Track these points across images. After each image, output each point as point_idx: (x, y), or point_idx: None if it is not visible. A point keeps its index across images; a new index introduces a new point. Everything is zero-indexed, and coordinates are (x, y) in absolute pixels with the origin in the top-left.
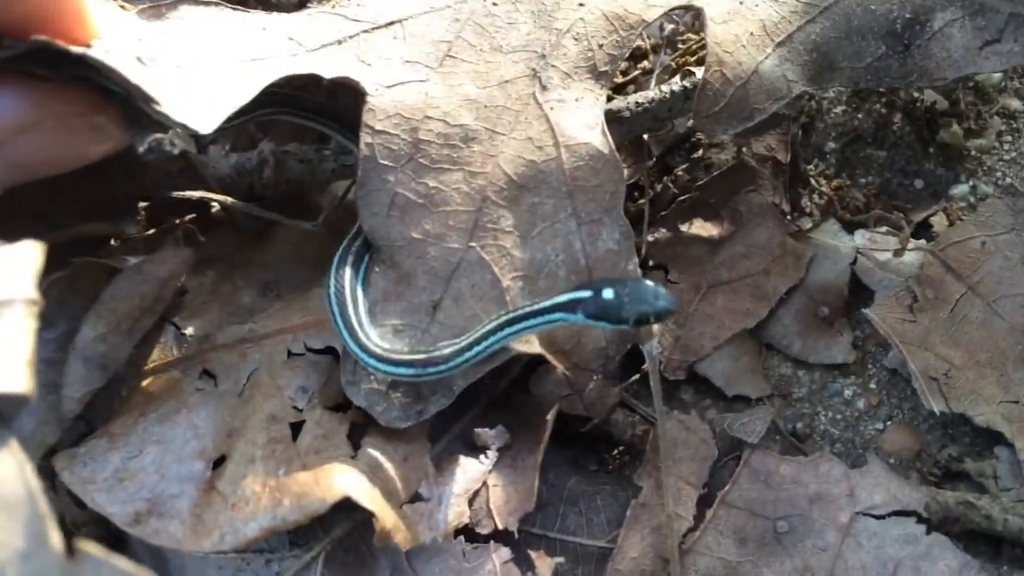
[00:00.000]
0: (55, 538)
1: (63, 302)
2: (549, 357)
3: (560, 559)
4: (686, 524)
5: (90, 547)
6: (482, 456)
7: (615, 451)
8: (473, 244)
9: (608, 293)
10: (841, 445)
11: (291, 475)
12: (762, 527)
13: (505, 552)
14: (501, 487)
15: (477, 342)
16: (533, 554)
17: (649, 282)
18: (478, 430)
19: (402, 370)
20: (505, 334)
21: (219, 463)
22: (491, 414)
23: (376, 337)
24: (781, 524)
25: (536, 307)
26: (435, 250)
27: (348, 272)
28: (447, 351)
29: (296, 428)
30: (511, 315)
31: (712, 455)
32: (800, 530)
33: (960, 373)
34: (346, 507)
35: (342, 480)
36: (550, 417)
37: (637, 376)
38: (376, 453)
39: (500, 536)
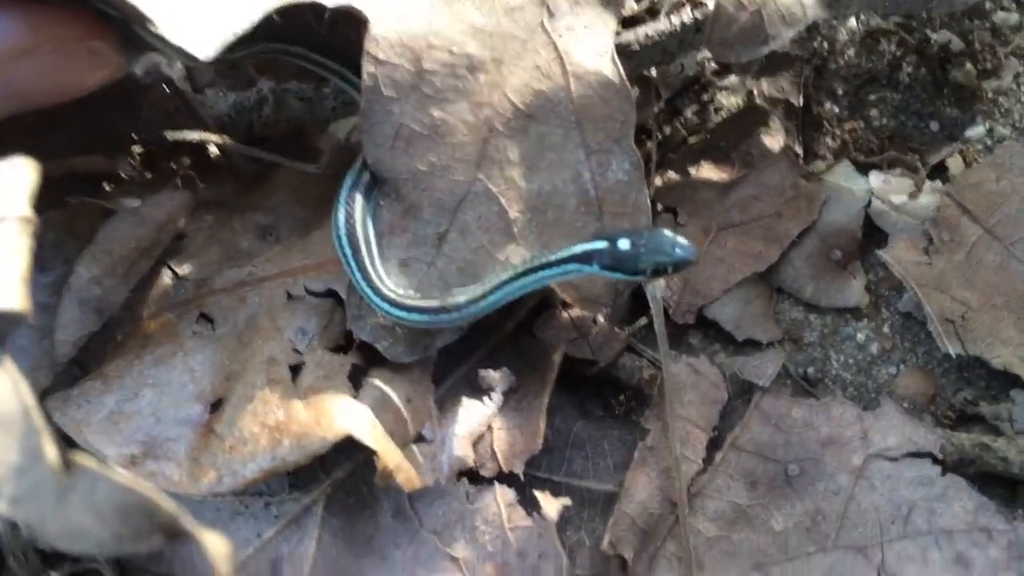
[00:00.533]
0: (51, 453)
1: (59, 245)
2: (557, 290)
3: (566, 502)
4: (695, 467)
5: (85, 460)
6: (487, 398)
7: (622, 396)
8: (479, 176)
9: (624, 243)
10: (854, 389)
11: (291, 415)
12: (773, 470)
13: (510, 494)
14: (506, 430)
15: (491, 291)
16: (539, 495)
17: (667, 231)
18: (483, 372)
19: (414, 316)
20: (519, 285)
21: (217, 406)
22: (496, 356)
23: (389, 280)
24: (792, 467)
25: (550, 258)
26: (441, 182)
27: (357, 208)
28: (460, 299)
29: (296, 370)
30: (525, 267)
31: (722, 398)
32: (811, 473)
33: (976, 316)
34: (347, 448)
35: (344, 418)
36: (556, 359)
37: (645, 320)
38: (378, 393)
39: (505, 479)
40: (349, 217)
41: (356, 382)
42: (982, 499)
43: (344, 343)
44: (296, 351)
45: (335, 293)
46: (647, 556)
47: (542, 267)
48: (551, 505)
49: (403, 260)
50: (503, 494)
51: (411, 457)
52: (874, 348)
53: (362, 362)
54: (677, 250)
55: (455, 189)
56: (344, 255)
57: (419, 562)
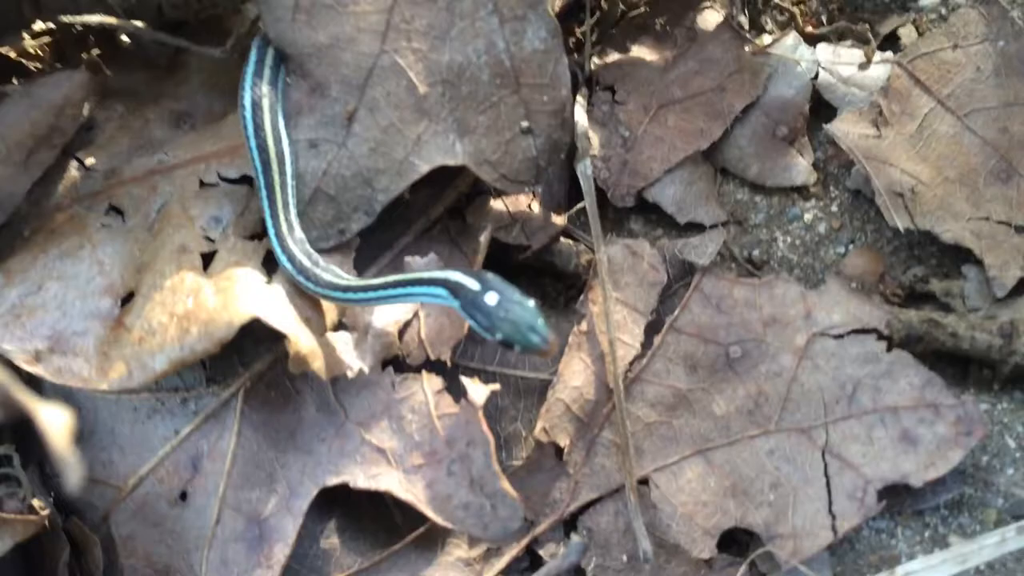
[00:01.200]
0: None
1: None
2: (474, 169)
3: (495, 387)
4: (632, 352)
5: None
6: None
7: (560, 284)
8: (386, 48)
9: (491, 298)
10: (800, 271)
11: (199, 303)
12: (713, 353)
13: (437, 382)
14: (433, 317)
15: (368, 288)
16: (466, 382)
17: (534, 306)
18: (409, 259)
19: (302, 281)
20: (385, 294)
21: (128, 300)
22: (423, 243)
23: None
24: (734, 349)
25: (423, 276)
26: (346, 55)
27: (265, 96)
28: (344, 282)
29: (208, 260)
30: (394, 279)
31: (661, 280)
32: (754, 355)
33: (927, 189)
34: (266, 340)
35: (250, 302)
36: (483, 239)
37: (582, 204)
38: None
39: (432, 366)
40: (256, 110)
41: (271, 269)
42: (930, 375)
43: (259, 230)
44: (208, 239)
45: (249, 179)
46: (584, 444)
47: (411, 283)
48: (479, 391)
49: (312, 141)
50: (430, 382)
51: (332, 346)
52: (822, 228)
53: None
54: (531, 336)
55: (361, 63)
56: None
57: (344, 454)
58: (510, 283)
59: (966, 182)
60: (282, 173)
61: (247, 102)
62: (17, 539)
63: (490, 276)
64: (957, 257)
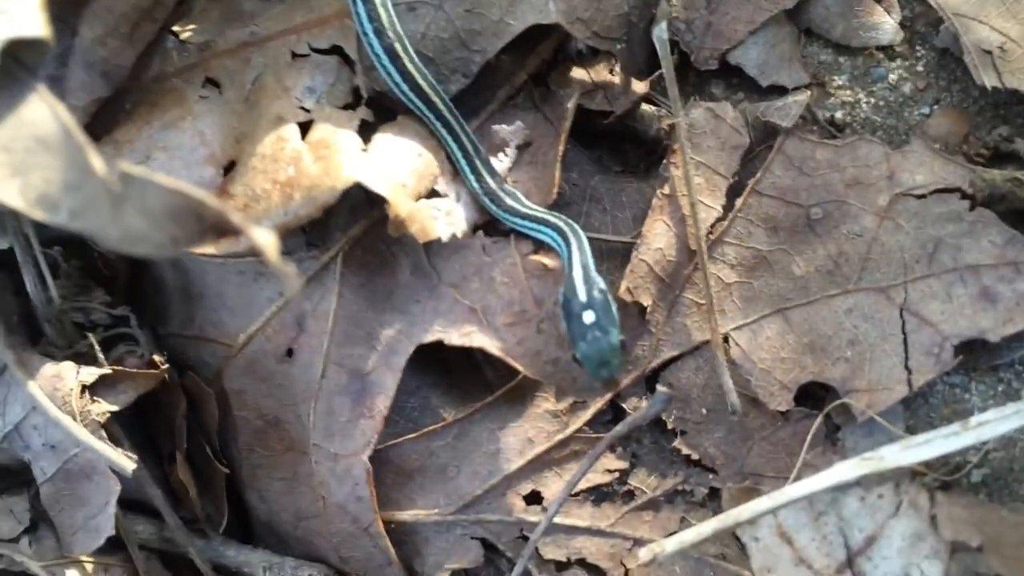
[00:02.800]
0: (99, 166)
1: (63, 18)
2: (566, 26)
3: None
4: (715, 214)
5: (133, 169)
6: (501, 153)
7: (641, 149)
8: None
9: (588, 316)
10: (884, 133)
11: (300, 170)
12: (795, 215)
13: (526, 246)
14: (522, 183)
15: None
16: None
17: (617, 343)
18: (496, 127)
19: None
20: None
21: (229, 170)
22: (510, 110)
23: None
24: (815, 211)
25: (564, 230)
26: None
27: None
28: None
29: (305, 129)
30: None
31: (743, 143)
32: (835, 216)
33: (1015, 46)
34: (362, 205)
35: (352, 167)
36: (571, 105)
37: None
38: (388, 146)
39: None
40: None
41: (366, 137)
42: (1012, 233)
43: (352, 100)
44: (304, 109)
45: (340, 50)
46: (666, 304)
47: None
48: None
49: (410, 4)
50: (520, 245)
51: (426, 211)
52: (907, 88)
53: (372, 118)
54: (602, 370)
55: None
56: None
57: (438, 314)
58: (612, 305)
59: None
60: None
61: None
62: (140, 391)
63: (597, 292)
64: None
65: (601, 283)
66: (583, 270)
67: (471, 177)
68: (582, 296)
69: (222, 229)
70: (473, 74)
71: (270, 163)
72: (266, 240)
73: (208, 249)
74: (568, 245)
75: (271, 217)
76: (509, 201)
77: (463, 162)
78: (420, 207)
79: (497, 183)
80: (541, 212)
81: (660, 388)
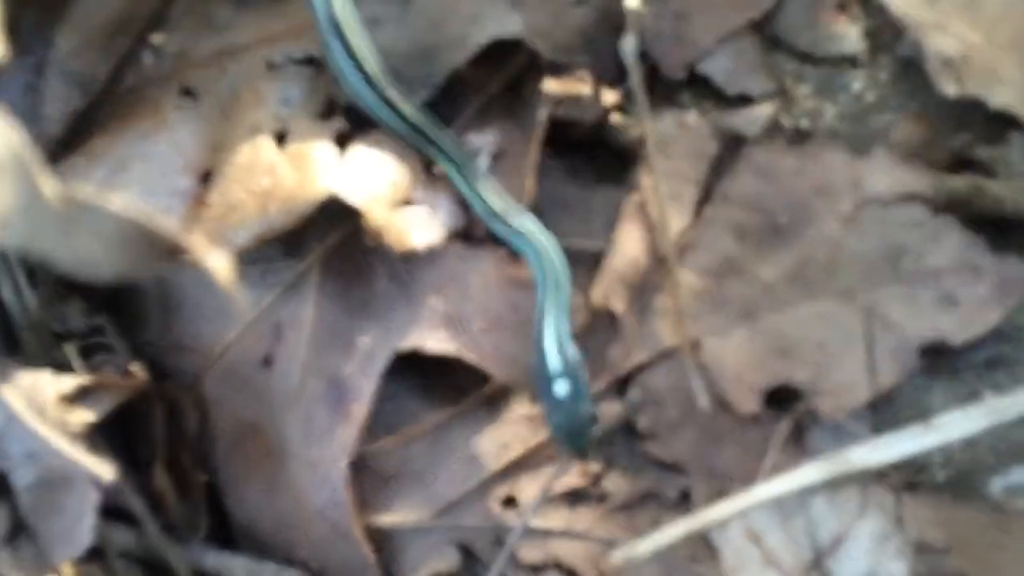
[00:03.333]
0: (48, 189)
1: (39, 26)
2: (528, 40)
3: None
4: (684, 221)
5: (83, 193)
6: None
7: (613, 158)
8: None
9: (561, 387)
10: (848, 141)
11: (277, 181)
12: (762, 221)
13: (502, 251)
14: None
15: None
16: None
17: (590, 417)
18: (470, 135)
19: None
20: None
21: (206, 179)
22: (483, 119)
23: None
24: (782, 218)
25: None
26: None
27: None
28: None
29: (281, 139)
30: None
31: (711, 152)
32: (801, 222)
33: (977, 55)
34: (338, 214)
35: (327, 179)
36: (542, 115)
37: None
38: (364, 155)
39: (497, 239)
40: None
41: (342, 146)
42: (973, 237)
43: (327, 110)
44: (279, 119)
45: (316, 60)
46: (636, 309)
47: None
48: None
49: (373, 18)
50: (495, 252)
51: (402, 221)
52: (870, 97)
53: (347, 128)
54: (574, 441)
55: None
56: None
57: (415, 322)
58: (585, 374)
59: (1017, 46)
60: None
61: None
62: (118, 401)
63: (572, 358)
64: (1004, 123)
65: (575, 350)
66: (557, 334)
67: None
68: (555, 364)
69: (174, 251)
70: (436, 86)
71: (246, 173)
72: (219, 264)
73: (163, 270)
74: (544, 295)
75: (247, 227)
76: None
77: (459, 178)
78: (396, 217)
79: (502, 200)
80: (534, 239)
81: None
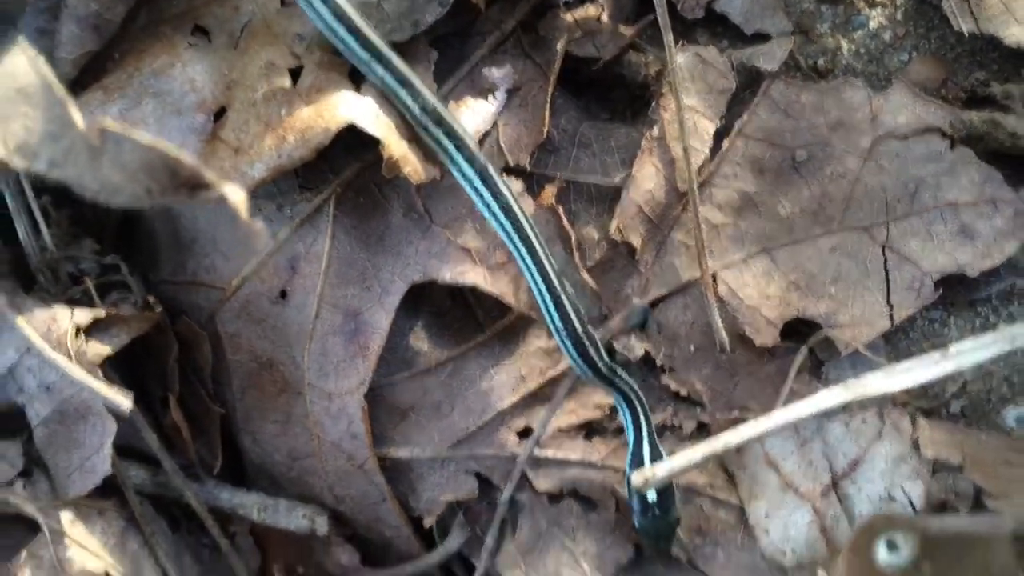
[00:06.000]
0: (78, 118)
1: None
2: None
3: (573, 197)
4: (702, 156)
5: (111, 124)
6: (491, 96)
7: (628, 98)
8: None
9: (652, 494)
10: (864, 79)
11: (293, 113)
12: (780, 157)
13: (517, 184)
14: (511, 126)
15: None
16: (546, 186)
17: (676, 520)
18: (486, 70)
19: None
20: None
21: (220, 116)
22: (499, 55)
23: None
24: (800, 153)
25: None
26: None
27: None
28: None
29: (296, 74)
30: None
31: (729, 87)
32: (819, 158)
33: None
34: (354, 147)
35: (346, 108)
36: (559, 49)
37: (651, 18)
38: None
39: (512, 172)
40: None
41: (357, 81)
42: (990, 170)
43: None
44: (294, 55)
45: None
46: (654, 244)
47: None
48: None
49: None
50: (511, 185)
51: (419, 153)
52: (887, 35)
53: None
54: (661, 544)
55: None
56: None
57: (431, 255)
58: (674, 484)
59: None
60: None
61: None
62: (133, 334)
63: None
64: (1018, 61)
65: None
66: (650, 448)
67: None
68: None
69: (195, 183)
70: (449, 3)
71: (262, 107)
72: (237, 197)
73: (183, 201)
74: (635, 415)
75: (264, 160)
76: (591, 352)
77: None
78: (413, 148)
79: (584, 331)
80: (615, 375)
81: (636, 301)
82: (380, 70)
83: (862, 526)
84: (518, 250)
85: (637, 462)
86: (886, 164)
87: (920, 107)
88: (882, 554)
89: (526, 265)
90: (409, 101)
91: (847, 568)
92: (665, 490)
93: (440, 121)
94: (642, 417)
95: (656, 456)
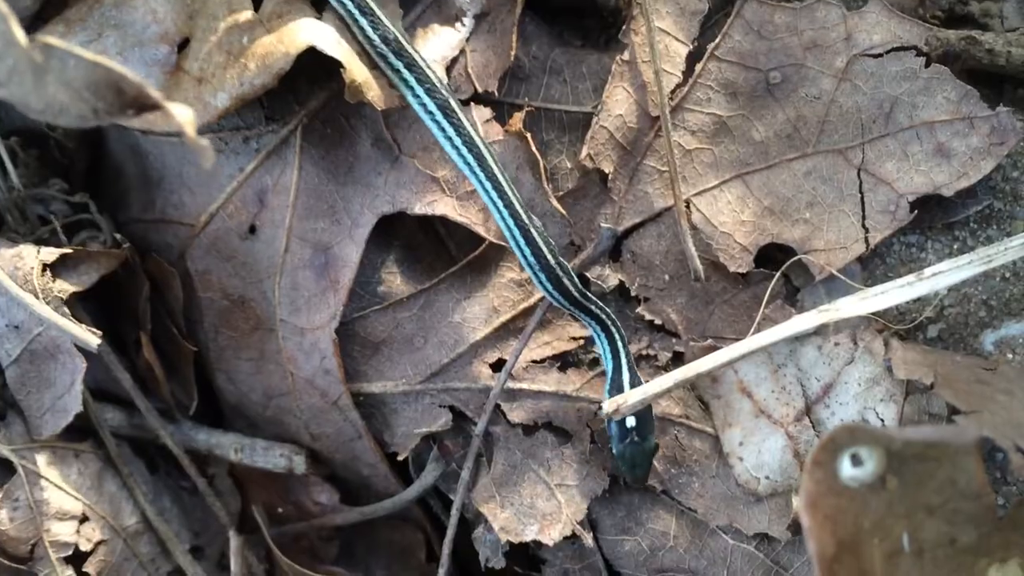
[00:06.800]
0: (21, 36)
1: None
2: None
3: (545, 125)
4: (674, 80)
5: (54, 40)
6: (458, 23)
7: (600, 24)
8: None
9: (630, 419)
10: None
11: (255, 40)
12: (754, 79)
13: (486, 111)
14: (479, 52)
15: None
16: (515, 114)
17: (651, 448)
18: None
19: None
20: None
21: (183, 47)
22: None
23: None
24: (774, 75)
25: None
26: None
27: None
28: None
29: (257, 3)
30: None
31: (701, 9)
32: (794, 80)
33: None
34: (320, 78)
35: (306, 33)
36: None
37: None
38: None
39: (480, 99)
40: None
41: (319, 8)
42: (966, 88)
43: None
44: None
45: None
46: (627, 171)
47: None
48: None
49: None
50: (479, 112)
51: (383, 80)
52: None
53: None
54: (634, 471)
55: None
56: None
57: (400, 185)
58: (651, 412)
59: None
60: None
61: None
62: (102, 272)
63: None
64: None
65: (639, 389)
66: (629, 374)
67: (527, 252)
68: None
69: (141, 103)
70: None
71: (223, 36)
72: (183, 116)
73: (131, 123)
74: (612, 342)
75: (227, 89)
76: (565, 282)
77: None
78: (377, 74)
79: (556, 261)
80: (590, 303)
81: (603, 225)
82: None
83: (826, 440)
84: (483, 185)
85: (616, 389)
86: (861, 84)
87: (895, 24)
88: (846, 468)
89: (492, 200)
90: (369, 30)
91: (811, 483)
92: (643, 418)
93: (401, 52)
94: (620, 344)
95: (635, 382)
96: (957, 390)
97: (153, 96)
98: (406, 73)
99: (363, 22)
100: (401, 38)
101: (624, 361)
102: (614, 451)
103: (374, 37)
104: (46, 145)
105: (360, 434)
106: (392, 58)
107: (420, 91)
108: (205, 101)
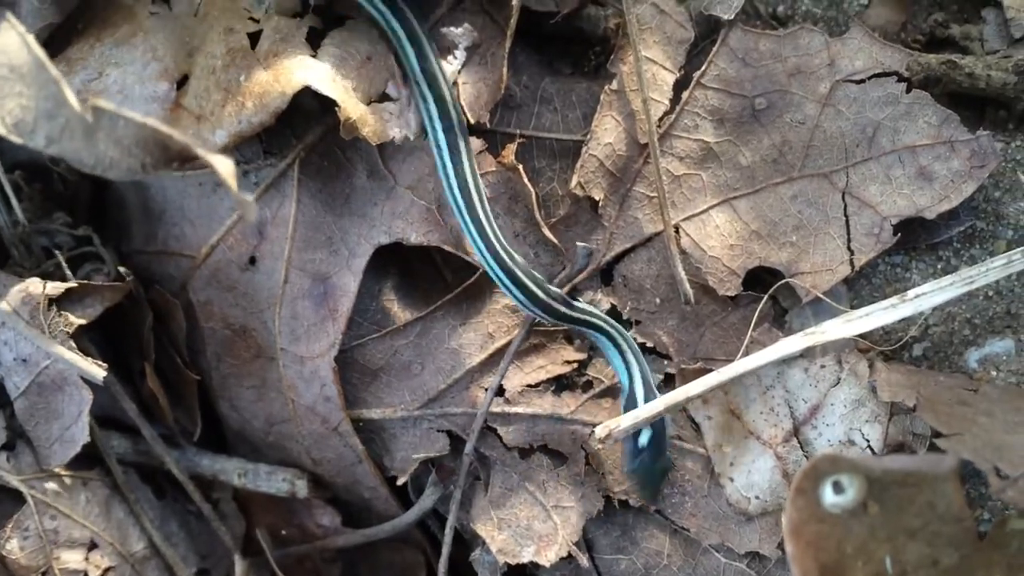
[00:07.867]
0: (72, 98)
1: None
2: None
3: (536, 153)
4: (662, 108)
5: (104, 104)
6: (451, 56)
7: (590, 52)
8: None
9: (644, 436)
10: (824, 24)
11: (252, 78)
12: (740, 106)
13: (478, 143)
14: (471, 84)
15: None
16: (508, 145)
17: (666, 467)
18: (444, 29)
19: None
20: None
21: (183, 84)
22: (457, 15)
23: None
24: (759, 101)
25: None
26: None
27: None
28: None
29: (255, 39)
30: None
31: (688, 37)
32: (779, 105)
33: None
34: (317, 113)
35: (301, 72)
36: (515, 4)
37: None
38: (337, 52)
39: (474, 131)
40: None
41: (315, 45)
42: (947, 112)
43: (300, 9)
44: (253, 20)
45: None
46: (617, 198)
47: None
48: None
49: None
50: (472, 143)
51: (377, 114)
52: None
53: (320, 25)
54: (646, 490)
55: None
56: None
57: (396, 216)
58: (668, 428)
59: None
60: None
61: None
62: (106, 304)
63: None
64: (978, 1)
65: (657, 401)
66: (644, 387)
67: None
68: (631, 378)
69: (186, 157)
70: None
71: (221, 74)
72: (227, 169)
73: (173, 173)
74: (623, 355)
75: (225, 127)
76: (562, 309)
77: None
78: (371, 110)
79: (544, 291)
80: (592, 316)
81: (579, 244)
82: (395, 24)
83: (808, 468)
84: (468, 229)
85: (631, 404)
86: (844, 109)
87: (877, 50)
88: (828, 495)
89: (475, 244)
90: (414, 60)
91: (794, 510)
92: (657, 436)
93: (432, 84)
94: (630, 354)
95: (650, 396)
96: (939, 412)
97: (197, 151)
98: (432, 106)
99: (410, 51)
100: (438, 72)
101: (638, 372)
102: (625, 469)
103: (416, 69)
104: (49, 179)
105: (360, 459)
106: (424, 89)
107: (438, 126)
108: (204, 138)
